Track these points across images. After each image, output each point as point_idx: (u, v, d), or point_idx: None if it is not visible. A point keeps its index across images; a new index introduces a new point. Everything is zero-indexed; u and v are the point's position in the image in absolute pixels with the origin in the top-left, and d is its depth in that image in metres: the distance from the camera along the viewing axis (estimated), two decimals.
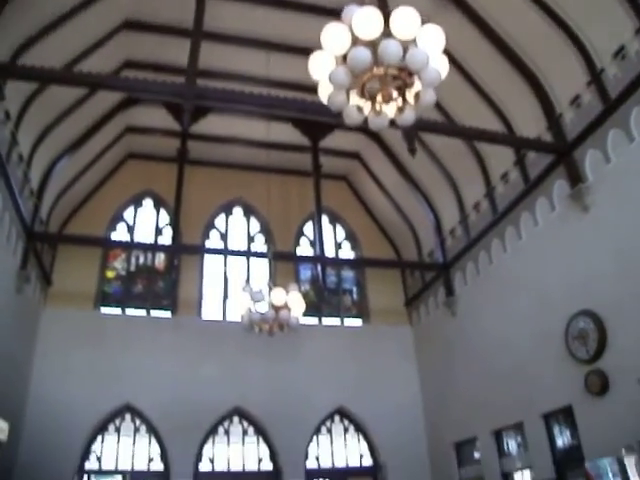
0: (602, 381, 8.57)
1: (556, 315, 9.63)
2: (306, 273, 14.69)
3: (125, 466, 12.34)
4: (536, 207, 10.53)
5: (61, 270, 13.20)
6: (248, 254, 13.99)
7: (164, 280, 14.02)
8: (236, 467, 12.79)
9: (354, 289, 15.16)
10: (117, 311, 13.49)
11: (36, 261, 12.01)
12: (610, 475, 7.91)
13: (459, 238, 13.04)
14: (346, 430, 13.66)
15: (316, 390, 13.24)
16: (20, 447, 11.42)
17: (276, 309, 9.10)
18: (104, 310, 13.44)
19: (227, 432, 13.04)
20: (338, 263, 15.15)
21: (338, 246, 15.51)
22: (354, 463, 13.44)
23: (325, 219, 15.05)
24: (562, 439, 9.78)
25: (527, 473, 10.62)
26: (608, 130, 8.88)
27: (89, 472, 12.28)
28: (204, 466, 12.63)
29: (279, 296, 9.17)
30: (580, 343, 9.05)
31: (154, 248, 14.25)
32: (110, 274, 13.96)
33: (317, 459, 13.24)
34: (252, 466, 12.89)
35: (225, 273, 14.32)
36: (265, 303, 9.18)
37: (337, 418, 13.67)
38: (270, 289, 9.35)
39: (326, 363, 13.57)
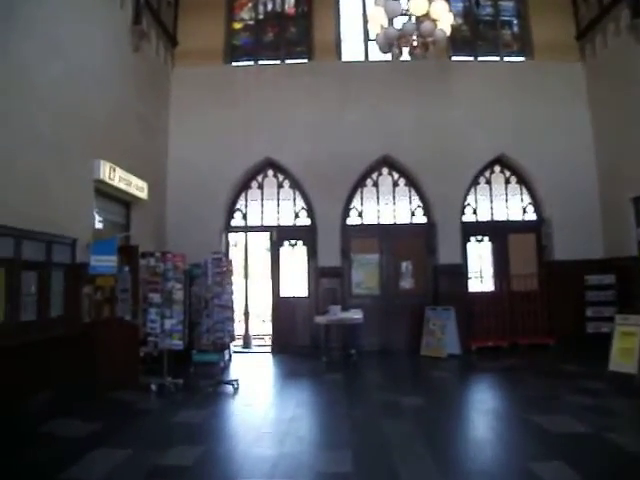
0: None
1: None
2: (457, 5, 12.34)
3: (271, 222, 12.05)
4: None
5: (185, 28, 12.25)
6: None
7: (297, 25, 12.66)
8: (387, 220, 11.99)
9: (514, 21, 12.62)
10: (249, 63, 12.41)
11: (153, 18, 11.09)
12: None
13: None
14: (507, 181, 12.15)
15: (472, 136, 11.61)
16: (167, 207, 11.56)
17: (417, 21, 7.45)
18: (235, 64, 12.44)
19: (376, 184, 12.09)
20: None
21: None
22: (516, 217, 12.12)
23: None
24: None
25: None
26: None
27: (236, 229, 12.19)
28: (352, 220, 11.95)
29: (420, 4, 7.42)
30: None
31: None
32: (237, 26, 12.79)
33: (475, 212, 12.07)
34: (404, 219, 12.02)
35: (364, 11, 12.34)
36: (403, 18, 7.57)
37: (497, 168, 12.13)
38: None
39: (483, 106, 11.73)
